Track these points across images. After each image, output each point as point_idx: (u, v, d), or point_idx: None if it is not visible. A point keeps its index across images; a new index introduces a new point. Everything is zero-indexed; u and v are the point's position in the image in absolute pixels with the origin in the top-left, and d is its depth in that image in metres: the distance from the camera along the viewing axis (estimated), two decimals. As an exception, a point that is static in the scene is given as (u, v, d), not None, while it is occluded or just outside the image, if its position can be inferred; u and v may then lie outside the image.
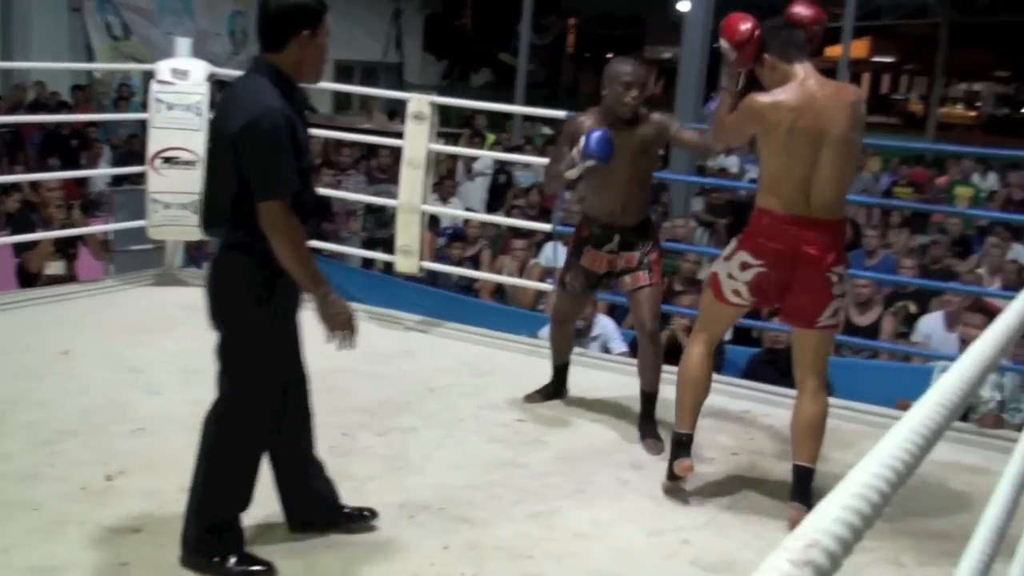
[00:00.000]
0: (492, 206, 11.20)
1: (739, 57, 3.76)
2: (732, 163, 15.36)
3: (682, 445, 3.90)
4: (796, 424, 3.78)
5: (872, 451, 0.83)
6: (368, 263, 8.33)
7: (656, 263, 4.49)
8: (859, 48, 36.93)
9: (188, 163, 6.30)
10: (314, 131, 9.11)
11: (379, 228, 8.80)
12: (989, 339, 1.18)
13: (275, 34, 3.12)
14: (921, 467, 3.26)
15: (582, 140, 4.17)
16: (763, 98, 3.62)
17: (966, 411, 6.02)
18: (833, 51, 30.03)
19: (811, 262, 3.61)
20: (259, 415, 3.26)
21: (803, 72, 3.64)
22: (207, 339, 5.34)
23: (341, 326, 3.30)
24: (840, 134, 3.57)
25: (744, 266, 3.70)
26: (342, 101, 18.30)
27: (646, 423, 4.48)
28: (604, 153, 4.15)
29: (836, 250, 3.67)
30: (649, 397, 4.49)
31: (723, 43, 3.79)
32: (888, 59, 41.93)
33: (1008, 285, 7.54)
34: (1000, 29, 25.18)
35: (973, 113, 39.60)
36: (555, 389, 4.88)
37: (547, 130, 16.64)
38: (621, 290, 4.59)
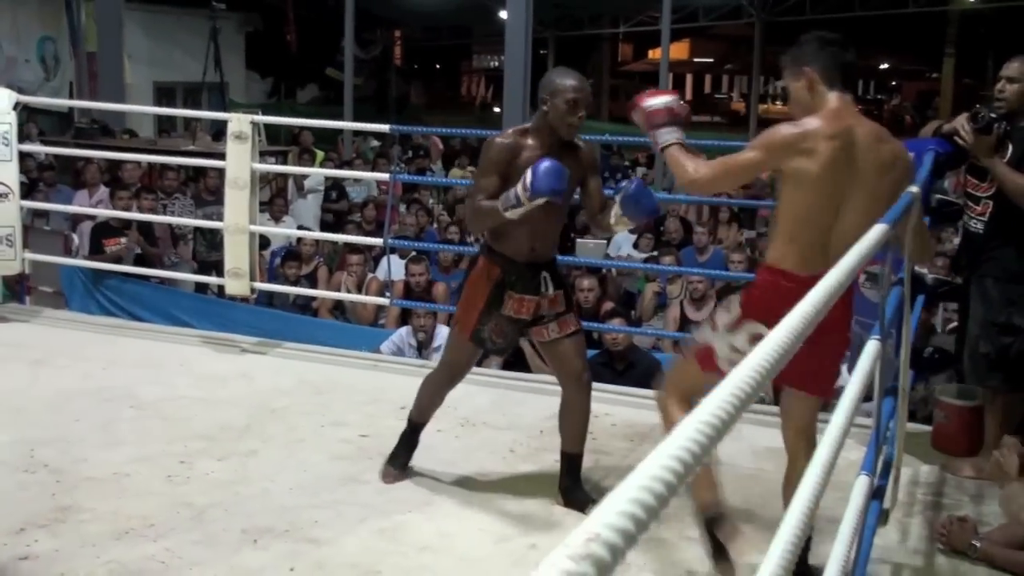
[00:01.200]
0: (327, 223, 11.08)
1: (663, 116, 3.34)
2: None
3: (720, 519, 3.28)
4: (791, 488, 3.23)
5: (660, 444, 0.84)
6: (202, 287, 8.14)
7: (576, 304, 4.11)
8: (679, 50, 38.00)
9: (0, 195, 6.05)
10: (134, 156, 8.91)
11: (211, 251, 8.59)
12: (782, 328, 1.21)
13: None
14: (759, 455, 3.36)
15: (528, 174, 3.48)
16: (791, 128, 3.06)
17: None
18: (654, 54, 30.76)
19: (836, 327, 3.02)
20: None
21: (840, 103, 3.09)
22: (32, 376, 5.18)
23: None
24: (872, 175, 3.02)
25: (757, 339, 3.22)
26: (165, 124, 17.85)
27: (577, 490, 3.92)
28: (559, 188, 3.51)
29: (848, 313, 3.21)
30: (577, 459, 3.97)
31: (639, 117, 3.40)
32: (708, 60, 43.20)
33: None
34: (811, 27, 26.09)
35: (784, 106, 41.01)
36: (409, 454, 4.16)
37: (375, 142, 16.56)
38: (540, 339, 3.93)
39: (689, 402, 3.27)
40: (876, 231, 2.12)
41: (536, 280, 3.81)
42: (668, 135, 3.32)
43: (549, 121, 3.70)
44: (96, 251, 7.95)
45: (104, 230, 8.05)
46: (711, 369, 3.13)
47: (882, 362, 2.48)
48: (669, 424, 3.33)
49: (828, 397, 3.15)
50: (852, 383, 2.08)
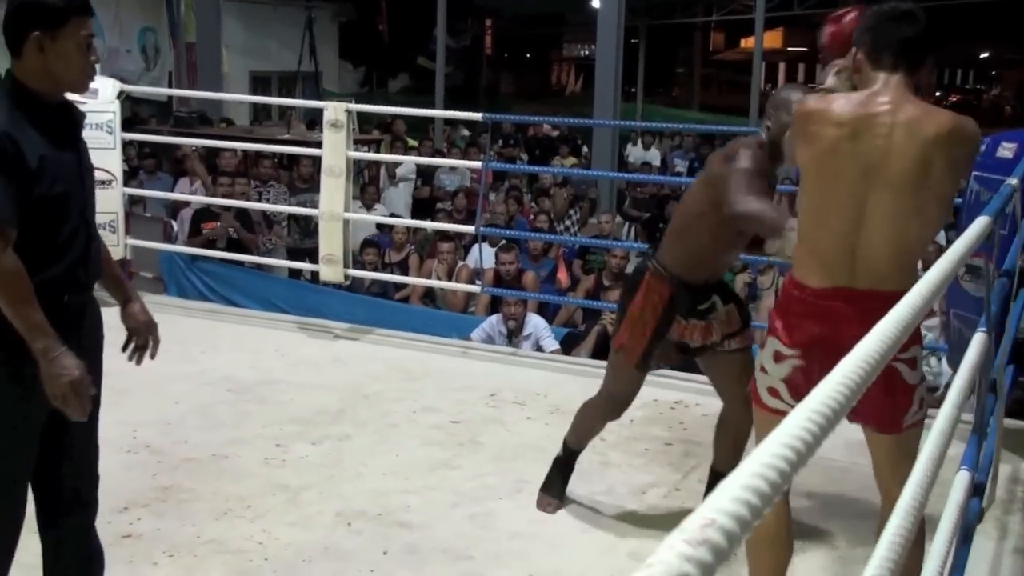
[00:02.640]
0: (417, 210, 11.17)
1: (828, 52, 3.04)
2: (654, 156, 15.52)
3: None
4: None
5: (773, 431, 0.84)
6: (295, 273, 8.27)
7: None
8: (773, 39, 37.51)
9: (104, 183, 6.19)
10: (231, 144, 9.07)
11: (304, 238, 8.72)
12: (892, 319, 1.20)
13: (10, 38, 2.51)
14: (852, 448, 3.30)
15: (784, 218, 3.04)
16: (812, 103, 2.71)
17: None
18: (747, 43, 30.41)
19: (905, 349, 2.60)
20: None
21: (882, 85, 2.63)
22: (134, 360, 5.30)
23: (61, 390, 2.43)
24: (904, 174, 2.54)
25: (778, 357, 2.73)
26: (260, 112, 18.15)
27: None
28: None
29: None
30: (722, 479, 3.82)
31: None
32: (802, 48, 42.56)
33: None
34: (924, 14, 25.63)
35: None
36: (566, 481, 3.87)
37: (467, 132, 16.64)
38: (714, 350, 3.62)
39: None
40: (979, 224, 2.08)
41: (705, 302, 3.53)
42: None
43: (775, 138, 3.33)
44: (195, 234, 8.13)
45: (203, 214, 8.24)
46: (758, 403, 2.81)
47: (986, 356, 2.43)
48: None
49: (896, 432, 2.72)
50: (960, 376, 2.05)
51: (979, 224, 2.10)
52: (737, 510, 0.73)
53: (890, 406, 2.66)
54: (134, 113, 15.44)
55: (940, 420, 1.59)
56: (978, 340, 2.01)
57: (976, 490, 2.99)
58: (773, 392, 2.73)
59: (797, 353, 2.65)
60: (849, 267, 2.59)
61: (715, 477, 3.67)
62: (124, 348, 2.90)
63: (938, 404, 5.34)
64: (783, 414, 2.39)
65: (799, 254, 2.72)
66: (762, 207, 3.08)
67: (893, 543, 1.15)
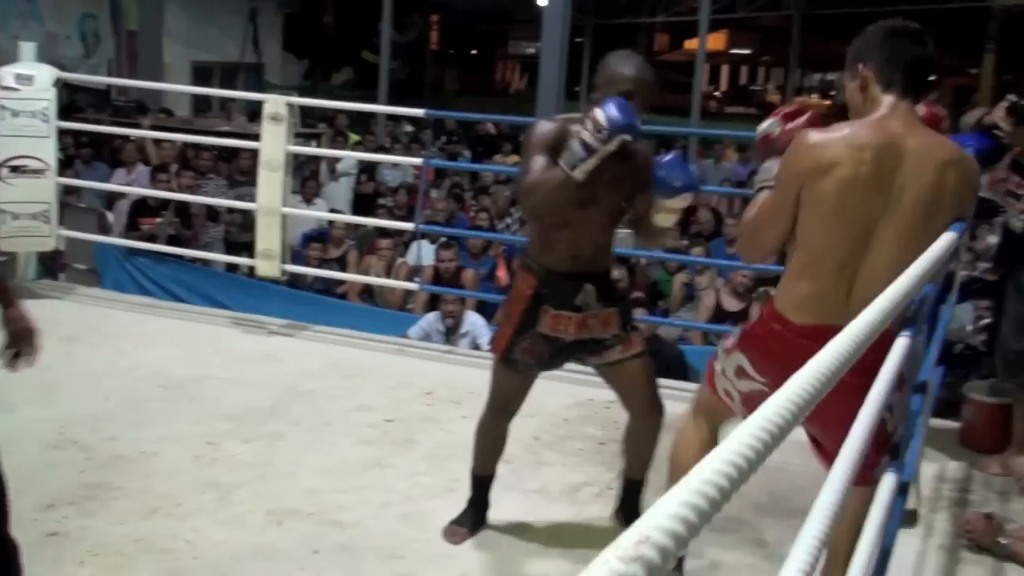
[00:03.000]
0: (359, 206, 11.11)
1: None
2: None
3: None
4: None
5: (718, 447, 0.84)
6: (232, 267, 8.20)
7: (637, 322, 3.62)
8: (716, 41, 37.79)
9: (37, 172, 6.12)
10: (170, 135, 8.96)
11: (242, 232, 8.65)
12: (850, 334, 1.21)
13: None
14: (786, 448, 3.33)
15: (598, 113, 2.97)
16: (816, 135, 2.53)
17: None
18: (691, 44, 30.61)
19: (846, 392, 2.10)
20: None
21: (891, 108, 2.53)
22: (64, 353, 5.22)
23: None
24: (917, 202, 2.45)
25: (740, 373, 2.66)
26: (201, 103, 17.97)
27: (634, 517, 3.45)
28: (637, 126, 3.02)
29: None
30: (639, 487, 3.60)
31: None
32: (745, 51, 42.97)
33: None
34: (850, 20, 26.02)
35: (828, 102, 40.86)
36: (479, 512, 3.67)
37: (410, 128, 16.59)
38: (599, 362, 3.44)
39: (711, 435, 2.93)
40: (946, 239, 2.08)
41: (576, 293, 3.32)
42: (762, 174, 2.79)
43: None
44: (132, 229, 8.04)
45: (141, 209, 8.14)
46: (712, 388, 2.82)
47: (911, 359, 2.46)
48: (678, 454, 3.00)
49: (863, 483, 2.43)
50: (882, 376, 2.07)
51: (947, 239, 2.12)
52: (673, 527, 0.73)
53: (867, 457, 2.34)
54: (72, 101, 15.22)
55: (859, 423, 1.61)
56: (901, 343, 2.04)
57: (902, 489, 3.04)
58: (727, 394, 2.76)
59: (764, 382, 2.57)
60: (842, 300, 2.47)
61: (628, 485, 3.60)
62: (2, 354, 2.78)
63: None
64: (729, 408, 2.47)
65: (787, 286, 2.60)
66: (532, 179, 3.11)
67: (808, 544, 1.15)
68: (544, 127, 3.24)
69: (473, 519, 3.64)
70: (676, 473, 2.91)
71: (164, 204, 8.10)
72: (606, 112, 2.96)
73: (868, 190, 2.43)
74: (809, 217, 2.51)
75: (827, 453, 2.61)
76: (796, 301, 2.54)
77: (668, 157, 3.21)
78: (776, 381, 2.23)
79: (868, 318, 1.40)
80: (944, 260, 1.93)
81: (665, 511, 0.74)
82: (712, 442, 2.87)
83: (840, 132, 2.50)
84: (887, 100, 2.53)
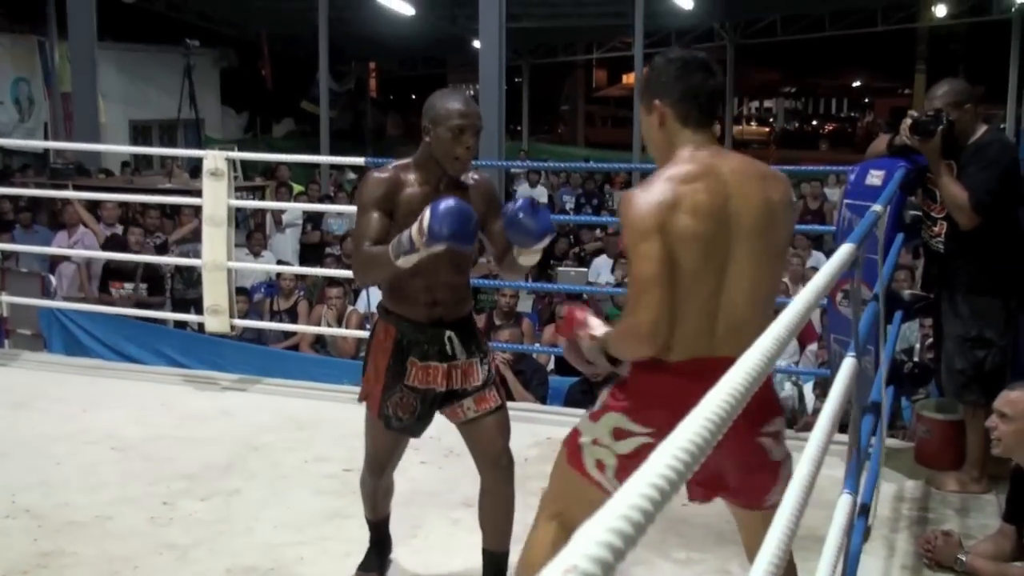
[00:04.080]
0: (307, 256, 11.08)
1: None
2: (541, 193, 15.64)
3: None
4: None
5: (638, 471, 0.85)
6: (181, 324, 8.13)
7: (496, 372, 3.47)
8: (653, 74, 38.19)
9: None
10: (111, 195, 8.91)
11: (188, 288, 8.59)
12: (757, 350, 1.22)
13: None
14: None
15: (425, 214, 2.85)
16: (645, 191, 2.44)
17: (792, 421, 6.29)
18: (629, 79, 30.93)
19: (731, 428, 2.15)
20: None
21: (698, 141, 2.50)
22: (12, 420, 5.14)
23: None
24: (756, 221, 2.44)
25: (619, 433, 2.50)
26: (141, 162, 17.86)
27: None
28: (463, 233, 2.87)
29: (767, 403, 2.50)
30: (503, 558, 3.39)
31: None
32: (681, 83, 43.44)
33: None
34: (782, 48, 26.45)
35: (767, 129, 41.46)
36: (381, 551, 3.67)
37: (352, 175, 16.60)
38: (455, 419, 3.31)
39: (561, 524, 2.65)
40: (843, 251, 2.13)
41: (439, 342, 3.19)
42: (594, 331, 2.58)
43: (433, 154, 3.10)
44: (103, 292, 8.04)
45: (112, 273, 8.19)
46: (576, 467, 2.58)
47: (859, 379, 2.49)
48: (526, 554, 2.77)
49: (759, 508, 2.51)
50: (830, 400, 2.09)
51: (844, 251, 2.16)
52: (599, 553, 0.73)
53: (756, 484, 2.50)
54: (6, 165, 15.07)
55: (811, 445, 1.62)
56: (847, 365, 2.06)
57: (861, 511, 3.06)
58: (600, 466, 2.53)
59: (650, 432, 2.43)
60: (711, 334, 2.43)
61: (486, 556, 3.40)
62: None
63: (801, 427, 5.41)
64: (601, 489, 2.34)
65: None
66: (362, 254, 3.04)
67: (767, 571, 1.16)
68: (374, 181, 3.14)
69: (379, 561, 3.62)
70: None
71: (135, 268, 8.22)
72: (432, 219, 2.83)
73: (712, 222, 2.39)
74: (662, 260, 2.38)
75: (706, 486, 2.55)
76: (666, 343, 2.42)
77: (518, 205, 3.04)
78: (663, 426, 2.12)
79: (778, 326, 1.41)
80: (833, 279, 1.93)
81: (590, 538, 0.74)
82: (565, 541, 2.53)
83: (664, 176, 2.43)
84: (688, 134, 2.49)
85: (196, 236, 7.53)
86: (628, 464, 2.44)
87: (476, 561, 3.68)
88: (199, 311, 6.56)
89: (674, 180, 2.40)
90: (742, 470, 2.45)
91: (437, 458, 4.69)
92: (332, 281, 8.19)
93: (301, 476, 4.50)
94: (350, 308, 8.12)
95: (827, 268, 1.96)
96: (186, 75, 14.67)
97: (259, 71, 23.23)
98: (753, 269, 2.43)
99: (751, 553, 2.57)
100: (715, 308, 2.42)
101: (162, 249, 9.18)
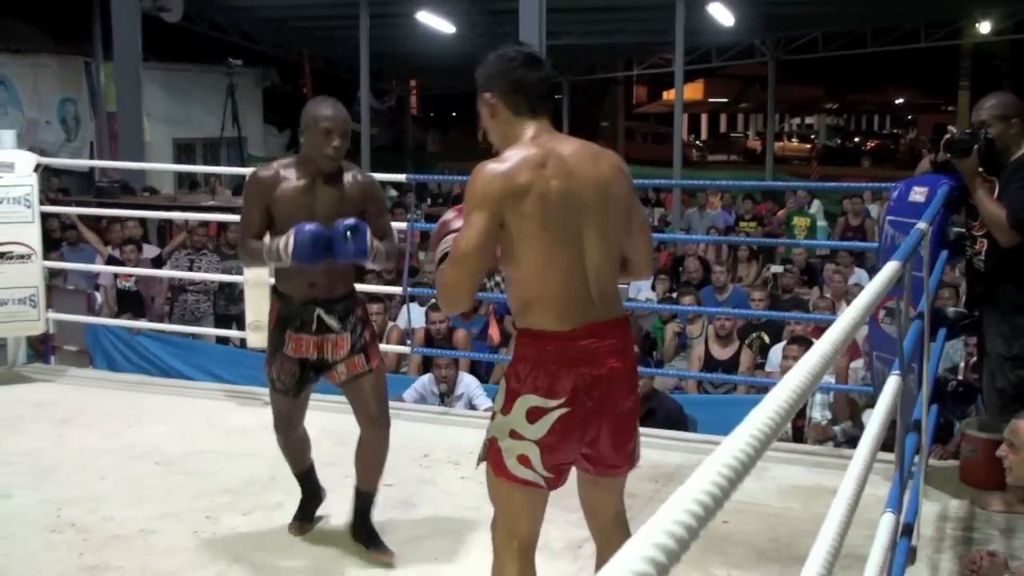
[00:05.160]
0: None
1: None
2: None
3: None
4: None
5: (682, 486, 0.85)
6: (223, 339, 8.21)
7: (372, 342, 3.85)
8: (694, 90, 38.19)
9: (23, 257, 6.14)
10: (154, 212, 9.02)
11: (230, 304, 8.67)
12: (802, 368, 1.21)
13: None
14: (786, 493, 3.37)
15: (290, 237, 3.45)
16: (498, 165, 2.59)
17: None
18: (669, 95, 30.90)
19: (621, 383, 2.66)
20: None
21: (535, 128, 2.70)
22: (58, 435, 5.21)
23: None
24: (596, 196, 2.64)
25: (532, 414, 2.59)
26: (185, 180, 18.06)
27: (367, 531, 3.88)
28: (315, 260, 3.49)
29: (635, 368, 2.77)
30: (368, 498, 3.92)
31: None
32: (722, 99, 43.39)
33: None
34: (824, 64, 26.31)
35: (808, 146, 41.25)
36: (312, 501, 4.12)
37: (393, 192, 16.68)
38: (333, 382, 3.83)
39: (520, 543, 2.74)
40: (888, 268, 2.12)
41: (310, 317, 3.70)
42: (439, 251, 2.77)
43: (307, 151, 3.63)
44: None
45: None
46: (504, 476, 2.65)
47: (904, 397, 2.47)
48: None
49: (629, 467, 2.77)
50: (874, 418, 2.08)
51: (889, 268, 2.15)
52: (643, 569, 0.73)
53: (624, 445, 2.70)
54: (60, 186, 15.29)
55: (855, 463, 1.61)
56: (892, 383, 2.05)
57: (904, 530, 3.03)
58: (524, 460, 2.60)
59: (562, 401, 2.56)
60: (589, 301, 2.61)
61: (359, 495, 3.91)
62: None
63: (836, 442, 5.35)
64: (534, 485, 2.45)
65: (531, 309, 2.63)
66: (247, 245, 3.64)
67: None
68: (256, 179, 3.69)
69: (310, 508, 4.11)
70: None
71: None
72: (293, 242, 3.45)
73: (561, 200, 2.56)
74: (521, 240, 2.58)
75: (596, 459, 2.72)
76: (552, 315, 2.59)
77: (306, 232, 3.46)
78: (573, 392, 2.56)
79: (827, 341, 1.41)
80: (879, 296, 1.94)
81: (636, 552, 0.75)
82: (531, 566, 2.76)
83: (517, 158, 2.59)
84: (522, 121, 2.69)
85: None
86: (550, 444, 2.57)
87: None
88: (241, 327, 6.61)
89: (527, 164, 2.57)
90: (617, 433, 2.66)
91: (478, 473, 4.68)
92: (372, 297, 8.22)
93: (342, 491, 4.50)
94: (390, 324, 8.15)
95: (873, 285, 1.95)
96: (229, 94, 14.81)
97: (301, 89, 23.38)
98: (603, 239, 2.63)
99: (602, 522, 2.85)
100: (584, 278, 2.60)
101: (157, 263, 9.34)
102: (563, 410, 2.55)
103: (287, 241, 3.46)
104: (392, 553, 3.79)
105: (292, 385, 3.80)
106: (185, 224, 9.91)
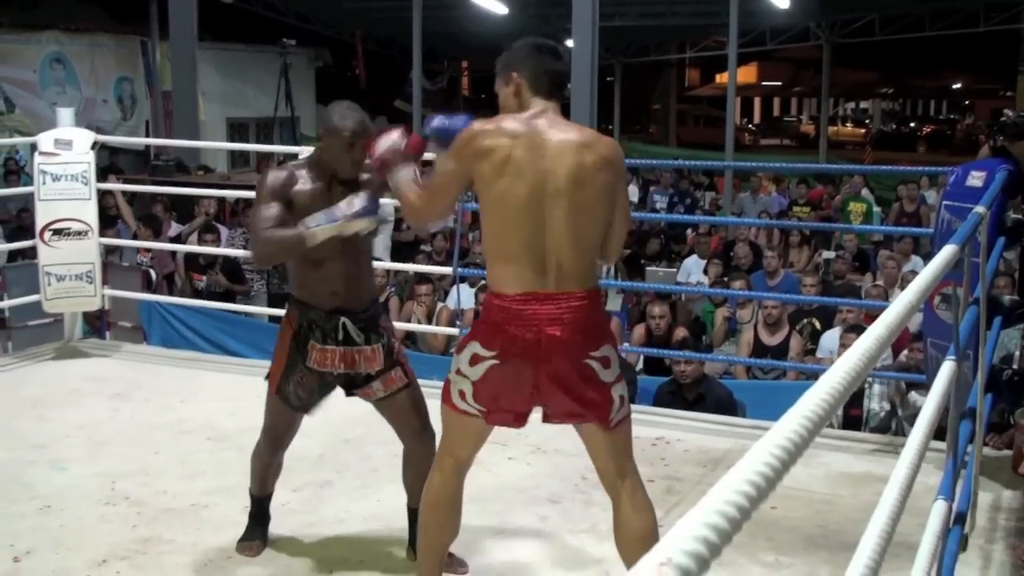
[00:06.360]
0: (400, 253, 11.17)
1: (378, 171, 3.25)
2: (632, 193, 15.57)
3: None
4: (624, 541, 3.16)
5: (733, 468, 0.85)
6: (276, 319, 8.27)
7: (402, 354, 3.76)
8: (747, 74, 37.84)
9: (79, 233, 6.22)
10: (207, 191, 9.10)
11: (283, 283, 8.72)
12: (856, 352, 1.20)
13: None
14: (835, 480, 3.35)
15: (357, 197, 3.36)
16: (481, 125, 2.96)
17: (863, 423, 6.18)
18: (722, 78, 30.65)
19: (559, 349, 2.85)
20: None
21: (541, 108, 2.98)
22: (113, 410, 5.28)
23: None
24: (568, 179, 2.85)
25: (474, 359, 2.92)
26: (238, 159, 18.20)
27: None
28: (378, 214, 3.45)
29: (592, 331, 2.93)
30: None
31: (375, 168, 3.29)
32: (776, 83, 42.95)
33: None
34: (880, 48, 25.96)
35: (863, 130, 40.75)
36: (264, 525, 3.87)
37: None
38: (367, 399, 3.68)
39: (458, 474, 3.13)
40: (945, 252, 2.09)
41: (335, 328, 3.51)
42: (399, 174, 3.15)
43: (325, 160, 3.50)
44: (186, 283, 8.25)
45: (192, 265, 8.38)
46: (447, 403, 3.02)
47: (958, 384, 2.44)
48: (424, 495, 3.17)
49: (607, 426, 2.97)
50: (928, 405, 2.05)
51: (946, 252, 2.12)
52: (694, 548, 0.73)
53: (594, 401, 2.92)
54: (112, 163, 15.46)
55: (907, 449, 1.60)
56: (947, 369, 2.02)
57: (957, 519, 3.00)
58: (462, 394, 2.97)
59: (495, 354, 2.87)
60: (542, 272, 2.85)
61: (412, 515, 3.69)
62: None
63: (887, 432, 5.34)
64: (468, 415, 2.68)
65: (493, 268, 2.95)
66: (267, 233, 3.37)
67: (866, 566, 1.15)
68: (273, 175, 3.50)
69: (259, 532, 3.83)
70: (428, 525, 3.18)
71: (212, 261, 8.39)
72: (360, 200, 3.34)
73: (524, 173, 2.84)
74: (483, 200, 2.93)
75: (553, 410, 3.01)
76: (504, 278, 2.89)
77: (365, 195, 3.41)
78: (504, 348, 2.87)
79: (882, 324, 1.39)
80: (935, 281, 1.93)
81: (687, 532, 0.75)
82: (458, 484, 3.14)
83: (497, 124, 2.92)
84: (537, 101, 2.99)
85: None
86: (480, 388, 2.93)
87: (561, 557, 3.70)
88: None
89: (501, 131, 2.89)
90: (577, 389, 2.89)
91: (524, 454, 4.71)
92: (422, 278, 8.25)
93: (390, 470, 4.52)
94: (440, 305, 8.18)
95: (929, 270, 1.93)
96: (283, 74, 14.88)
97: (353, 70, 23.48)
98: (570, 219, 2.85)
99: (607, 476, 3.10)
100: (542, 252, 2.85)
101: (175, 241, 9.44)
102: (494, 361, 2.88)
103: (353, 200, 3.33)
104: (463, 562, 3.64)
105: (308, 401, 3.63)
106: (205, 202, 10.03)
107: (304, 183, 3.47)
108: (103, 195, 7.50)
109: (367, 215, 3.35)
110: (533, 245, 2.84)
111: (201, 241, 8.79)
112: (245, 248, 8.57)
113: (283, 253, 3.48)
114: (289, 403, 3.61)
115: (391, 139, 3.21)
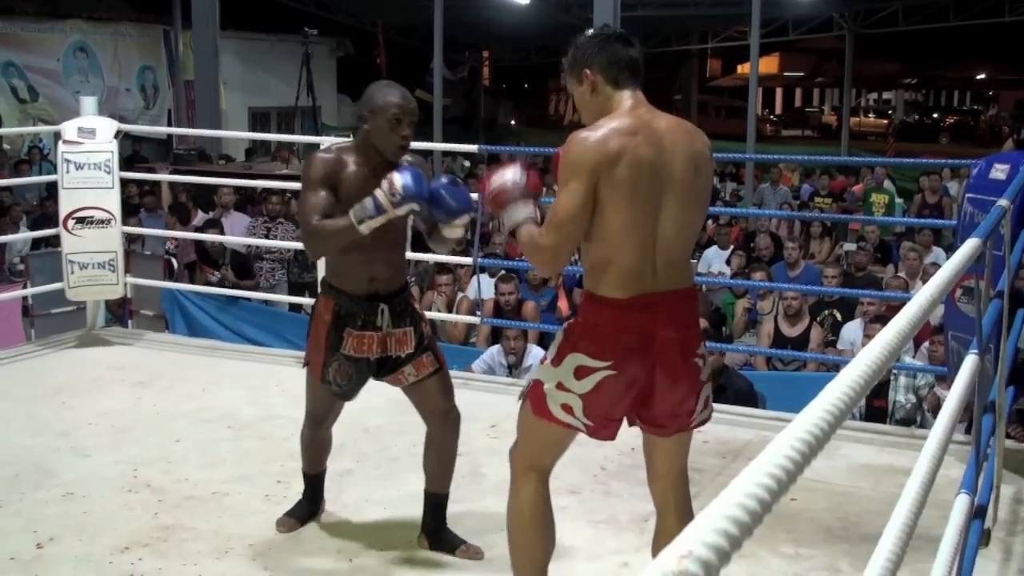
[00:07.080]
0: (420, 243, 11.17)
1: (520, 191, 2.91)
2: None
3: None
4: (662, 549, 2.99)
5: (755, 460, 0.84)
6: (296, 307, 8.31)
7: (432, 337, 3.71)
8: (769, 64, 37.68)
9: (102, 222, 6.25)
10: (228, 180, 9.14)
11: (303, 272, 8.76)
12: (878, 344, 1.20)
13: None
14: (855, 472, 3.34)
15: (395, 178, 3.23)
16: (590, 135, 2.72)
17: (888, 415, 6.15)
18: (743, 68, 30.50)
19: (672, 347, 2.75)
20: None
21: (633, 100, 2.82)
22: (135, 398, 5.31)
23: None
24: (685, 170, 2.75)
25: (580, 372, 2.76)
26: (260, 148, 18.27)
27: (443, 531, 3.72)
28: (425, 192, 3.28)
29: (696, 327, 2.89)
30: (443, 499, 3.74)
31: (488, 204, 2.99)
32: (798, 73, 42.75)
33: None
34: (903, 39, 25.79)
35: (885, 121, 40.52)
36: (312, 505, 3.95)
37: (467, 163, 16.72)
38: (397, 385, 3.65)
39: (539, 472, 2.99)
40: (968, 246, 2.08)
41: (374, 314, 3.48)
42: (517, 213, 2.88)
43: (372, 141, 3.41)
44: (197, 276, 8.27)
45: (203, 258, 8.39)
46: (544, 416, 2.84)
47: (981, 378, 2.43)
48: (515, 512, 3.02)
49: (686, 431, 2.90)
50: (950, 398, 2.05)
51: (969, 245, 2.11)
52: (715, 540, 0.73)
53: (679, 403, 2.81)
54: (134, 151, 15.54)
55: (929, 442, 1.59)
56: (970, 362, 2.01)
57: (978, 512, 2.99)
58: (567, 408, 2.80)
59: (608, 364, 2.72)
60: (651, 272, 2.73)
61: (430, 499, 3.72)
62: None
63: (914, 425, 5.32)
64: (575, 429, 2.62)
65: (600, 272, 2.77)
66: (316, 224, 3.29)
67: (883, 567, 1.15)
68: (320, 160, 3.43)
69: (306, 511, 3.90)
70: (521, 539, 3.03)
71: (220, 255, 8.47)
72: (402, 179, 3.21)
73: (650, 169, 2.68)
74: (608, 205, 2.70)
75: (648, 419, 2.88)
76: (615, 282, 2.73)
77: (440, 183, 3.34)
78: (619, 357, 2.72)
79: (905, 316, 1.39)
80: (958, 274, 1.92)
81: (708, 525, 0.75)
82: (547, 494, 3.01)
83: (609, 127, 2.71)
84: (623, 94, 2.82)
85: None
86: (592, 399, 2.76)
87: (580, 546, 3.70)
88: (313, 295, 6.68)
89: (619, 132, 2.69)
90: (677, 391, 2.78)
91: (545, 446, 4.70)
92: (442, 268, 8.27)
93: (411, 460, 4.55)
94: (460, 295, 8.19)
95: (952, 263, 1.92)
96: (304, 63, 14.94)
97: (375, 60, 23.50)
98: (682, 212, 2.74)
99: (660, 480, 2.98)
100: (653, 249, 2.73)
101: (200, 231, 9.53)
102: (608, 372, 2.72)
103: (389, 184, 3.22)
104: (480, 549, 3.65)
105: (348, 388, 3.61)
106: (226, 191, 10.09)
107: (349, 167, 3.40)
108: (125, 184, 7.53)
109: (414, 200, 3.23)
110: (648, 243, 2.72)
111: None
112: (296, 240, 8.63)
113: (333, 246, 3.39)
114: (332, 391, 3.63)
115: (511, 174, 2.95)
